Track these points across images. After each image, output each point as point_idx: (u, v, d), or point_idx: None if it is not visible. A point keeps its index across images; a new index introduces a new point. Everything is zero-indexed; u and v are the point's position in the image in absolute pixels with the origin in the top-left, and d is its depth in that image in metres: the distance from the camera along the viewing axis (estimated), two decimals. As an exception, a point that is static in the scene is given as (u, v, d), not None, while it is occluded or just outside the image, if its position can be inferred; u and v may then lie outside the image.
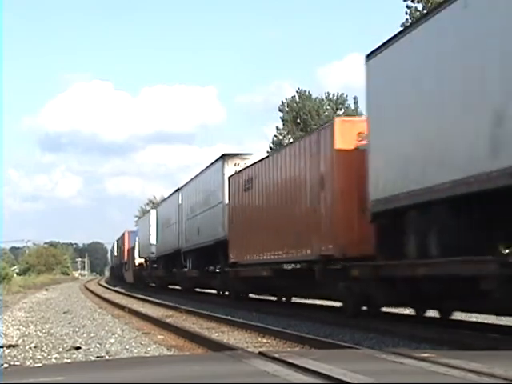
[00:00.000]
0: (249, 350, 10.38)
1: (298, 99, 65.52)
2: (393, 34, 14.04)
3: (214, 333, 15.26)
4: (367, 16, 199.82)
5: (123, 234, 59.31)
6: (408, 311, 16.89)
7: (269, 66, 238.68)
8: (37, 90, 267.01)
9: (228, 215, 25.02)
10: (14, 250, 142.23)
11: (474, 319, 14.05)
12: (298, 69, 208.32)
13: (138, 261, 48.60)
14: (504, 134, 10.51)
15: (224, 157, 26.63)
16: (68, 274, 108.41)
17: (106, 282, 76.52)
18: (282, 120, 65.03)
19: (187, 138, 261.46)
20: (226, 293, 26.72)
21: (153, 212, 43.75)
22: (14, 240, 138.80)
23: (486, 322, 13.16)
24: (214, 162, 28.19)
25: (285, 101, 66.72)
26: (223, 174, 25.97)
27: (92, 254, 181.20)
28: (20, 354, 12.08)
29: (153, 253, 42.62)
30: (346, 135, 16.20)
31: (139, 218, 50.26)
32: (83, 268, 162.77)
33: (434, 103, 12.46)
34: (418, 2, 34.14)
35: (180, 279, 35.13)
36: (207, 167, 29.56)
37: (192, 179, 33.03)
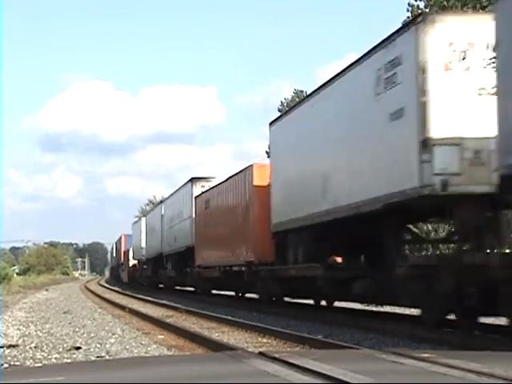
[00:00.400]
0: (249, 350, 10.38)
1: (297, 99, 65.62)
2: (281, 113, 21.24)
3: (214, 333, 15.27)
4: (367, 16, 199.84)
5: (120, 237, 64.69)
6: (408, 311, 16.90)
7: (269, 66, 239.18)
8: (37, 90, 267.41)
9: (194, 227, 31.18)
10: (14, 250, 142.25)
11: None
12: (298, 69, 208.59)
13: (131, 262, 54.03)
14: (328, 187, 16.78)
15: (192, 180, 32.91)
16: (68, 274, 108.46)
17: (106, 282, 76.72)
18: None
19: (187, 138, 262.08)
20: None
21: (143, 219, 49.45)
22: (14, 240, 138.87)
23: (486, 322, 13.15)
24: (185, 184, 34.53)
25: (284, 101, 66.86)
26: (191, 194, 32.07)
27: (92, 254, 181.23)
28: (20, 354, 12.08)
29: (143, 255, 47.73)
30: (261, 176, 22.39)
31: (134, 222, 55.78)
32: (83, 268, 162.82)
33: (301, 167, 19.03)
34: (421, 0, 34.12)
35: (162, 278, 40.82)
36: (180, 187, 36.10)
37: (171, 195, 39.43)
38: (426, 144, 12.58)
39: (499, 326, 12.76)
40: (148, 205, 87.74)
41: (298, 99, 65.44)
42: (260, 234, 22.03)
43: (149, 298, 30.39)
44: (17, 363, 11.00)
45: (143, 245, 47.59)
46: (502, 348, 9.14)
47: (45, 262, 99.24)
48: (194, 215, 31.41)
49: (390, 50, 13.76)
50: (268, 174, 21.59)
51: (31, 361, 11.32)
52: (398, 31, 13.68)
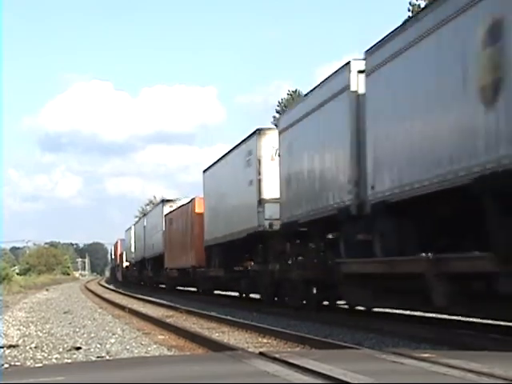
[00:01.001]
0: (249, 350, 10.39)
1: (292, 100, 65.88)
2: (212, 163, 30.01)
3: (215, 333, 15.27)
4: (367, 16, 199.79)
5: (117, 241, 73.95)
6: (408, 312, 16.90)
7: (269, 66, 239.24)
8: (37, 90, 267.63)
9: (164, 238, 40.39)
10: (14, 250, 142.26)
11: (475, 319, 14.04)
12: (298, 69, 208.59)
13: (125, 264, 62.36)
14: (228, 220, 27.42)
15: (163, 201, 43.18)
16: (68, 274, 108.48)
17: (106, 282, 76.92)
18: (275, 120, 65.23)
19: (187, 138, 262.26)
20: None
21: (133, 228, 57.71)
22: (14, 240, 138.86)
23: (486, 322, 13.16)
24: (158, 204, 45.94)
25: (281, 101, 67.05)
26: (162, 213, 41.12)
27: (92, 254, 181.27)
28: (20, 354, 12.09)
29: (133, 258, 55.73)
30: (199, 206, 31.65)
31: (127, 230, 62.24)
32: (83, 268, 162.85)
33: (218, 205, 28.47)
34: None
35: (144, 278, 50.27)
36: (156, 205, 48.60)
37: (150, 211, 52.10)
38: (260, 201, 22.57)
39: (499, 326, 12.76)
40: (148, 205, 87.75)
41: (293, 100, 65.76)
42: (198, 246, 31.33)
43: (149, 298, 30.41)
44: (17, 363, 11.00)
45: (132, 249, 55.78)
46: (502, 348, 9.14)
47: (45, 262, 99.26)
48: (164, 229, 40.63)
49: (247, 144, 23.87)
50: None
51: (31, 361, 11.33)
52: (250, 136, 23.60)
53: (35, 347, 13.12)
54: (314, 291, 18.49)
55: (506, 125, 10.00)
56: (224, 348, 10.91)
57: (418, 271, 12.37)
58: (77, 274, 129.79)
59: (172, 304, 24.88)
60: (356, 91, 15.07)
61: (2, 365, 10.45)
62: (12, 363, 10.96)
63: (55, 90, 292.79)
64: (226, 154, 27.29)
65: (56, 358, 11.59)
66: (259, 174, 22.59)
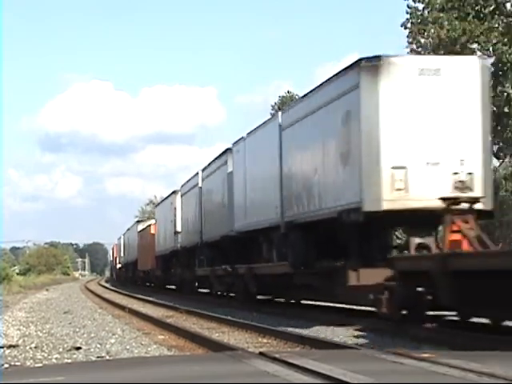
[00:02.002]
0: (249, 350, 10.39)
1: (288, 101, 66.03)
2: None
3: (215, 333, 15.27)
4: (367, 16, 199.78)
5: (113, 246, 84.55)
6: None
7: (269, 66, 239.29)
8: (37, 90, 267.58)
9: (137, 249, 52.01)
10: (14, 250, 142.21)
11: (475, 319, 14.03)
12: (298, 69, 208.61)
13: (118, 265, 73.28)
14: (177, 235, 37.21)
15: (138, 221, 57.38)
16: (68, 275, 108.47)
17: (106, 281, 77.23)
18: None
19: (187, 138, 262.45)
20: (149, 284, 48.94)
21: (122, 237, 68.25)
22: (14, 240, 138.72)
23: (486, 322, 13.15)
24: (134, 223, 57.92)
25: (274, 105, 67.23)
26: (137, 230, 52.96)
27: (92, 254, 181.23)
28: (20, 355, 12.09)
29: (124, 261, 66.21)
30: (153, 229, 43.93)
31: (119, 238, 73.23)
32: (83, 268, 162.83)
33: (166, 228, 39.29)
34: (419, 2, 34.09)
35: (128, 277, 61.14)
36: (133, 224, 58.90)
37: (130, 227, 61.04)
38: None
39: (500, 326, 12.76)
40: (148, 204, 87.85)
41: (287, 102, 65.97)
42: (152, 256, 43.29)
43: (148, 298, 30.42)
44: (17, 363, 11.00)
45: (122, 254, 68.49)
46: (502, 348, 9.13)
47: (45, 262, 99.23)
48: (137, 242, 52.39)
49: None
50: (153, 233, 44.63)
51: (31, 361, 11.33)
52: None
53: (35, 347, 13.12)
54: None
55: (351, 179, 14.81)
56: (224, 348, 10.91)
57: (282, 271, 19.20)
58: (77, 274, 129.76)
59: (172, 304, 24.88)
60: (279, 141, 19.37)
61: (2, 365, 10.45)
62: (12, 363, 10.96)
63: (55, 90, 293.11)
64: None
65: (56, 358, 11.59)
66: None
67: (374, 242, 15.69)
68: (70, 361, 11.18)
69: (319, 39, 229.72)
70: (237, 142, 23.51)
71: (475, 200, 13.42)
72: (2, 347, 12.95)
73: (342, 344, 11.30)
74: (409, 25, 34.07)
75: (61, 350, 12.69)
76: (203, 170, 29.24)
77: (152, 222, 46.83)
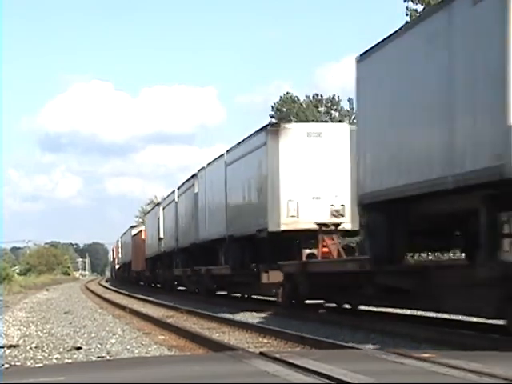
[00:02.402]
0: (249, 350, 10.39)
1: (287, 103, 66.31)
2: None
3: (215, 333, 15.26)
4: (367, 16, 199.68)
5: (113, 247, 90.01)
6: (409, 312, 16.90)
7: (269, 67, 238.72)
8: (37, 90, 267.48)
9: (132, 251, 57.00)
10: (14, 250, 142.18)
11: (475, 319, 14.05)
12: (298, 69, 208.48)
13: (117, 266, 78.78)
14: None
15: (132, 227, 61.68)
16: (69, 275, 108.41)
17: (107, 281, 77.43)
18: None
19: (187, 138, 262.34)
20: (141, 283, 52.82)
21: (120, 239, 73.80)
22: (14, 240, 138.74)
23: (486, 322, 13.16)
24: (129, 228, 63.02)
25: (274, 105, 67.34)
26: (131, 234, 57.87)
27: (92, 254, 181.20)
28: (21, 355, 12.08)
29: (121, 262, 71.82)
30: (144, 234, 49.06)
31: (117, 240, 79.15)
32: (84, 268, 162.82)
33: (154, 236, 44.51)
34: (419, 3, 34.14)
35: (124, 277, 66.54)
36: (128, 229, 63.73)
37: (127, 230, 65.34)
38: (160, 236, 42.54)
39: (499, 325, 12.77)
40: (149, 204, 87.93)
41: (285, 103, 66.10)
42: (142, 258, 48.26)
43: (149, 298, 30.42)
44: (17, 363, 10.99)
45: (119, 256, 74.08)
46: (502, 348, 9.14)
47: (45, 262, 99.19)
48: (131, 245, 57.51)
49: None
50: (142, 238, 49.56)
51: (32, 361, 11.32)
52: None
53: (35, 347, 13.12)
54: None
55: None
56: (224, 348, 10.91)
57: (226, 272, 24.76)
58: (77, 274, 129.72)
59: (172, 304, 24.87)
60: (225, 174, 25.08)
61: (3, 365, 10.44)
62: (12, 363, 10.96)
63: (55, 90, 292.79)
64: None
65: (56, 358, 11.58)
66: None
67: (278, 251, 20.89)
68: (70, 361, 11.17)
69: (319, 39, 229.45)
70: (200, 169, 29.31)
71: (338, 224, 20.11)
72: (2, 347, 12.95)
73: (342, 344, 11.29)
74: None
75: (61, 350, 12.69)
76: (178, 189, 35.16)
77: (143, 227, 52.33)
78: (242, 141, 23.17)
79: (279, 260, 19.85)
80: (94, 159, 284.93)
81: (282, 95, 68.24)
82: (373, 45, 14.21)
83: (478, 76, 10.88)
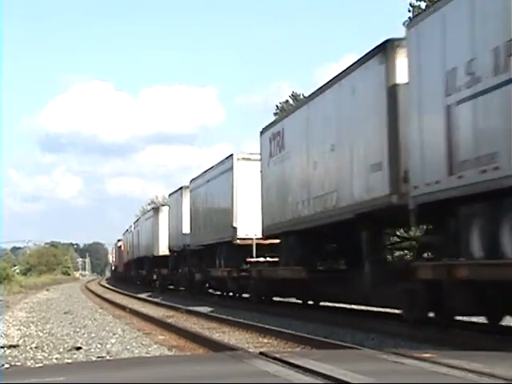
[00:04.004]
0: (250, 350, 10.39)
1: (292, 103, 66.13)
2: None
3: (215, 333, 15.27)
4: (367, 16, 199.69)
5: (112, 249, 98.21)
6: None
7: (268, 67, 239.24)
8: (37, 90, 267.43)
9: (117, 257, 72.89)
10: (14, 250, 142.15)
11: (475, 319, 14.06)
12: (297, 69, 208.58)
13: (113, 266, 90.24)
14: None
15: (118, 240, 75.50)
16: (69, 275, 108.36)
17: (106, 280, 77.84)
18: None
19: (187, 138, 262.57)
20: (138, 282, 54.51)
21: (118, 243, 77.40)
22: (14, 240, 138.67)
23: (486, 322, 13.15)
24: (117, 241, 77.78)
25: (279, 105, 67.29)
26: (117, 245, 75.20)
27: (93, 254, 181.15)
28: (21, 355, 12.08)
29: (115, 264, 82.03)
30: (122, 247, 68.87)
31: (114, 244, 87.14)
32: (84, 268, 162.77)
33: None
34: (421, 0, 34.07)
35: (119, 276, 73.06)
36: (116, 242, 78.37)
37: (116, 242, 79.35)
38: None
39: (501, 326, 12.76)
40: (150, 204, 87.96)
41: (294, 103, 66.22)
42: (122, 263, 66.64)
43: (149, 299, 30.42)
44: (17, 363, 11.00)
45: (113, 259, 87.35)
46: (502, 348, 9.13)
47: (46, 262, 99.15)
48: (116, 253, 74.56)
49: None
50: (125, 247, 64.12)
51: (32, 361, 11.32)
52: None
53: (36, 347, 13.12)
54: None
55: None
56: (225, 348, 10.91)
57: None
58: (77, 274, 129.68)
59: (172, 304, 24.87)
60: (182, 200, 34.35)
61: (3, 365, 10.44)
62: (12, 363, 10.96)
63: (55, 90, 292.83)
64: None
65: (56, 358, 11.59)
66: None
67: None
68: (70, 361, 11.17)
69: (319, 39, 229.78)
70: (178, 189, 35.60)
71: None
72: (2, 347, 12.95)
73: (342, 344, 11.30)
74: None
75: (61, 350, 12.69)
76: (169, 197, 41.50)
77: (122, 242, 70.44)
78: (206, 170, 29.98)
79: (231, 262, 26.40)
80: (94, 159, 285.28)
81: (290, 95, 68.31)
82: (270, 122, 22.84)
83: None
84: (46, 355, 11.99)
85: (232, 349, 10.55)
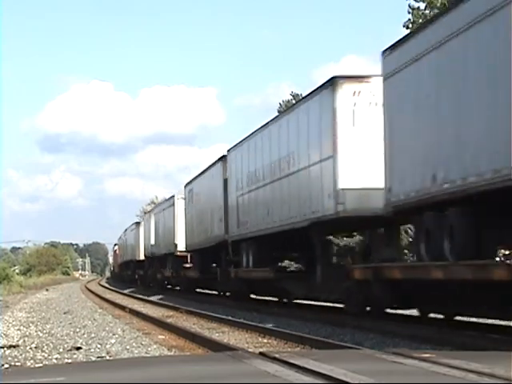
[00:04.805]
0: (249, 350, 10.37)
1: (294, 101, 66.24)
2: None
3: (215, 333, 15.26)
4: (365, 17, 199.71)
5: (111, 253, 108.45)
6: (409, 312, 16.88)
7: (267, 67, 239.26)
8: (36, 90, 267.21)
9: (115, 260, 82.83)
10: (14, 250, 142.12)
11: (475, 320, 14.06)
12: (296, 70, 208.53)
13: (112, 267, 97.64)
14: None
15: (115, 244, 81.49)
16: (69, 275, 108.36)
17: (108, 280, 77.89)
18: None
19: (187, 138, 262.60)
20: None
21: (115, 247, 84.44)
22: (14, 240, 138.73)
23: (486, 322, 13.16)
24: (114, 245, 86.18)
25: (282, 103, 67.41)
26: (114, 248, 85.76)
27: (92, 254, 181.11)
28: (21, 355, 12.07)
29: (113, 265, 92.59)
30: (116, 252, 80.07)
31: (113, 247, 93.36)
32: (84, 268, 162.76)
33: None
34: (421, 1, 34.05)
35: (123, 276, 71.83)
36: (113, 245, 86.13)
37: (113, 246, 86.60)
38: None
39: (499, 326, 12.76)
40: (149, 204, 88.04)
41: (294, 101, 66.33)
42: (117, 265, 75.22)
43: (149, 299, 30.42)
44: (17, 364, 10.98)
45: (112, 261, 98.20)
46: (502, 348, 9.13)
47: (45, 263, 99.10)
48: (113, 256, 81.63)
49: None
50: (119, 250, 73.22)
51: (32, 361, 11.31)
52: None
53: (35, 347, 13.11)
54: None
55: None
56: (224, 348, 10.90)
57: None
58: (77, 274, 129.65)
59: (172, 304, 24.87)
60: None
61: (3, 365, 10.43)
62: (12, 363, 10.95)
63: (55, 90, 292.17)
64: None
65: (56, 359, 11.58)
66: None
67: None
68: (70, 361, 11.16)
69: (317, 41, 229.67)
70: (149, 211, 43.94)
71: None
72: (2, 347, 12.94)
73: (342, 344, 11.29)
74: (410, 25, 34.02)
75: (61, 350, 12.68)
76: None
77: (117, 247, 77.82)
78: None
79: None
80: (93, 159, 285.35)
81: (293, 93, 68.48)
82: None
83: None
84: (46, 355, 11.98)
85: (232, 349, 10.54)
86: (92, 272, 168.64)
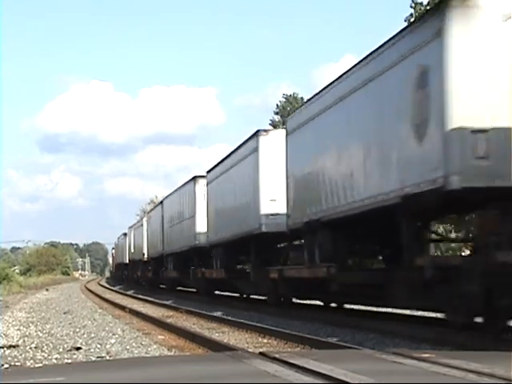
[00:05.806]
0: (249, 350, 10.38)
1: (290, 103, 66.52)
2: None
3: (215, 333, 15.27)
4: (364, 18, 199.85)
5: (111, 253, 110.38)
6: (408, 312, 16.90)
7: (267, 68, 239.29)
8: (36, 90, 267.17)
9: (112, 261, 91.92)
10: (14, 250, 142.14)
11: (475, 320, 14.03)
12: (296, 70, 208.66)
13: (111, 268, 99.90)
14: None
15: (112, 248, 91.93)
16: (69, 275, 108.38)
17: (108, 280, 77.98)
18: (272, 122, 66.33)
19: (187, 138, 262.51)
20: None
21: (112, 250, 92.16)
22: (14, 240, 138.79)
23: (485, 322, 13.13)
24: (111, 249, 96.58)
25: (279, 104, 67.61)
26: (111, 252, 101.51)
27: (92, 254, 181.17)
28: (20, 355, 12.08)
29: (113, 265, 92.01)
30: (117, 251, 79.20)
31: (112, 248, 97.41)
32: (83, 268, 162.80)
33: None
34: None
35: (121, 275, 74.67)
36: (111, 249, 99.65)
37: (111, 249, 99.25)
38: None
39: (499, 325, 12.73)
40: (149, 204, 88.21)
41: (288, 102, 66.36)
42: (114, 266, 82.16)
43: (148, 299, 30.43)
44: (17, 364, 10.99)
45: (111, 262, 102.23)
46: (502, 348, 9.13)
47: (45, 262, 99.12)
48: (112, 257, 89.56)
49: None
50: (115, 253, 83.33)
51: (31, 361, 11.32)
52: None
53: (35, 347, 13.12)
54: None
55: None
56: (224, 348, 10.91)
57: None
58: (77, 274, 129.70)
59: (172, 304, 24.88)
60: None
61: (2, 365, 10.44)
62: (12, 363, 10.95)
63: (55, 90, 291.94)
64: None
65: (56, 359, 11.58)
66: None
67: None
68: (70, 361, 11.17)
69: (317, 41, 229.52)
70: (138, 221, 50.42)
71: None
72: (2, 347, 12.95)
73: (342, 344, 11.30)
74: (412, 19, 34.02)
75: (61, 350, 12.69)
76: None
77: (113, 251, 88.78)
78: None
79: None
80: (93, 159, 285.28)
81: (286, 95, 68.67)
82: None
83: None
84: (46, 355, 11.98)
85: (232, 349, 10.54)
86: (92, 272, 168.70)
